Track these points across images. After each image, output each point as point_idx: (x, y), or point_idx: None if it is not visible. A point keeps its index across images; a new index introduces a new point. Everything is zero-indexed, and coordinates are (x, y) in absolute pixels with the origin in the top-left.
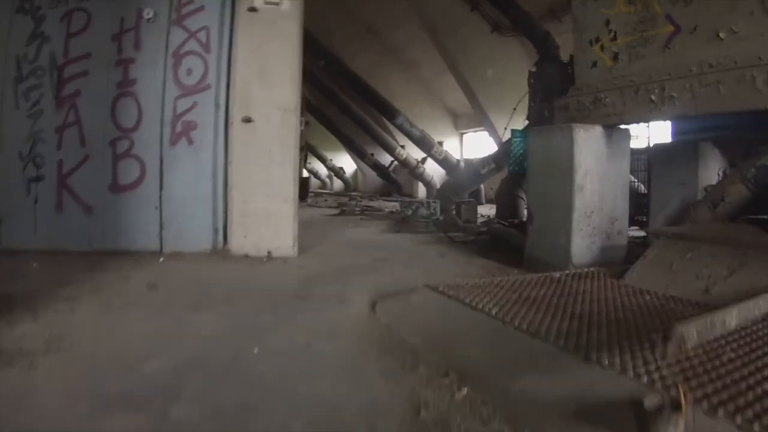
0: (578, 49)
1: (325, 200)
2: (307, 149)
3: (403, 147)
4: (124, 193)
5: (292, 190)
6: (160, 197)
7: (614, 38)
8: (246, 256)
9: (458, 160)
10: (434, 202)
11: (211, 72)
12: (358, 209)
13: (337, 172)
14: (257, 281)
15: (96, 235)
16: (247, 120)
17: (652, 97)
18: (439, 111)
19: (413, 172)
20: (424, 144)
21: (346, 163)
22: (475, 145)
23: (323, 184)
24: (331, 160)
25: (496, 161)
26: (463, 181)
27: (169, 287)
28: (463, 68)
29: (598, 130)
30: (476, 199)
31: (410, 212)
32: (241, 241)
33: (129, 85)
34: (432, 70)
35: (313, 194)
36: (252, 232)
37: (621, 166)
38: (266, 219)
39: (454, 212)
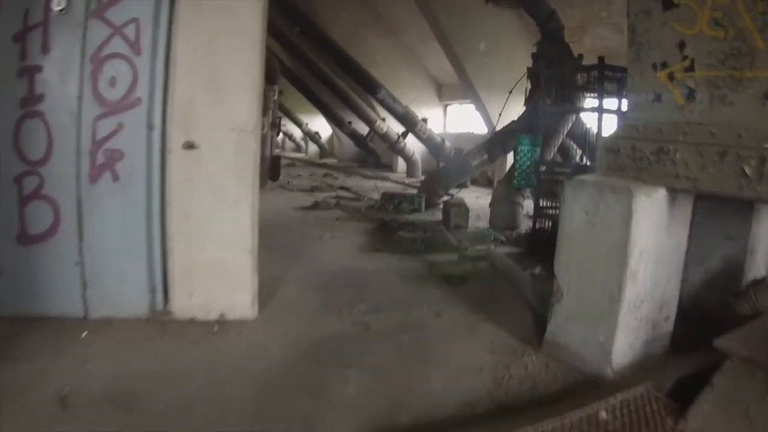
0: (634, 69)
1: (299, 176)
2: (278, 117)
3: (383, 120)
4: (36, 245)
5: (250, 237)
6: (81, 250)
7: (690, 68)
8: (193, 321)
9: (443, 140)
10: (418, 197)
11: (141, 81)
12: (333, 199)
13: (313, 137)
14: (200, 389)
15: (6, 298)
16: (190, 146)
17: (746, 169)
18: (422, 79)
19: (393, 146)
20: (408, 121)
21: (323, 127)
22: (460, 118)
23: (298, 147)
24: (306, 124)
25: (489, 152)
26: (452, 172)
27: (86, 405)
28: (452, 38)
29: (661, 195)
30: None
31: (392, 207)
32: (185, 302)
33: (35, 102)
34: (417, 35)
35: (286, 164)
36: (200, 290)
37: (680, 238)
38: (218, 275)
39: (441, 215)
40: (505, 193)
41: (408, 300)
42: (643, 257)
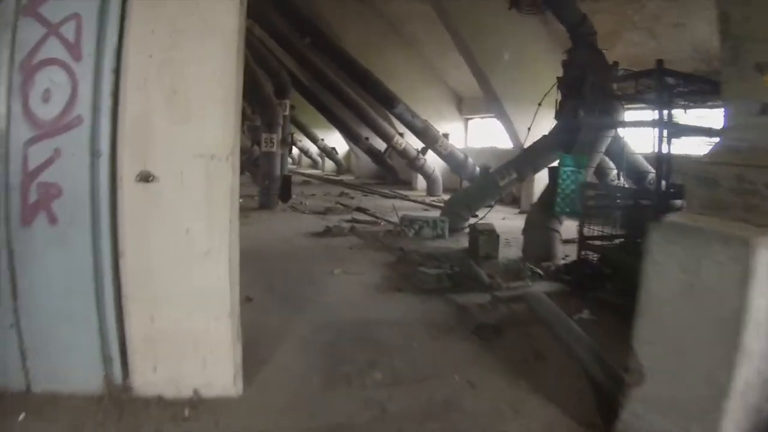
0: (731, 72)
1: (313, 195)
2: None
3: (401, 135)
4: None
5: (228, 296)
6: (16, 311)
7: None
8: (160, 400)
9: (466, 156)
10: (442, 221)
11: (82, 94)
12: (348, 222)
13: (329, 153)
14: None
15: None
16: (147, 177)
17: None
18: (441, 93)
19: (412, 163)
20: (428, 137)
21: (339, 143)
22: (482, 133)
23: (314, 164)
24: (322, 139)
25: (518, 170)
26: (478, 193)
27: None
28: (474, 49)
29: None
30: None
31: (412, 233)
32: (149, 377)
33: None
34: (435, 47)
35: (300, 181)
36: (166, 362)
37: None
38: (187, 344)
39: (467, 242)
40: (540, 219)
41: (434, 363)
42: (760, 332)
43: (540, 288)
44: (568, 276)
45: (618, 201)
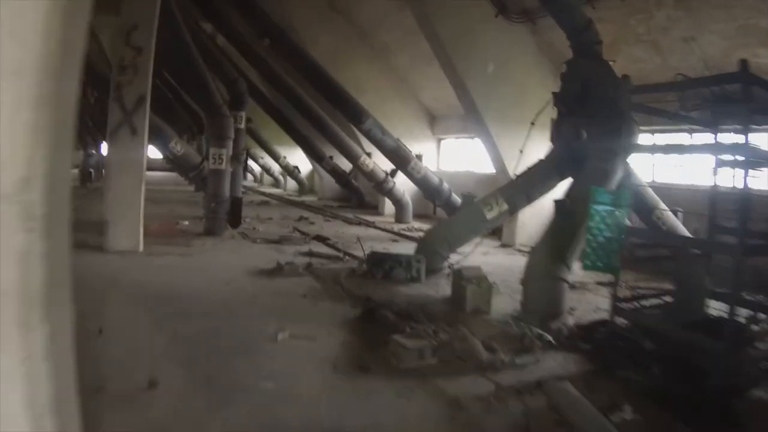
0: None
1: (269, 219)
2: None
3: (369, 155)
4: None
5: None
6: None
7: None
8: None
9: (441, 180)
10: (417, 261)
11: None
12: (304, 255)
13: (291, 172)
14: None
15: None
16: None
17: None
18: (413, 110)
19: (380, 186)
20: (399, 157)
21: (303, 161)
22: (456, 155)
23: (276, 182)
24: (284, 157)
25: (509, 200)
26: (460, 227)
27: None
28: (456, 59)
29: None
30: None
31: (381, 274)
32: None
33: None
34: (408, 59)
35: (258, 202)
36: None
37: None
38: None
39: (450, 289)
40: (545, 266)
41: None
42: None
43: (553, 362)
44: (587, 344)
45: (670, 250)
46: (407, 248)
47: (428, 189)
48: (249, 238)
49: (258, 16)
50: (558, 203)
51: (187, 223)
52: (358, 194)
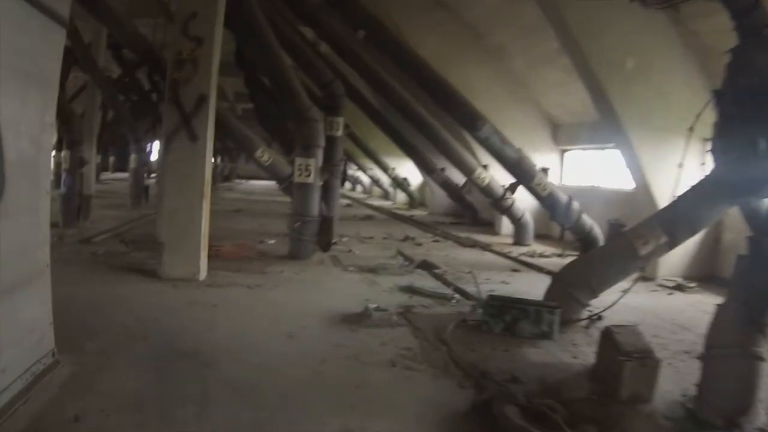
0: None
1: (369, 239)
2: (340, 160)
3: (485, 167)
4: None
5: None
6: None
7: None
8: None
9: (570, 199)
10: (550, 312)
11: None
12: (403, 290)
13: (401, 184)
14: None
15: None
16: None
17: None
18: (533, 117)
19: (498, 204)
20: (521, 171)
21: (413, 172)
22: (581, 168)
23: (386, 194)
24: (393, 168)
25: (668, 230)
26: (604, 265)
27: None
28: (591, 57)
29: None
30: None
31: (501, 326)
32: None
33: None
34: (527, 60)
35: (362, 217)
36: None
37: None
38: None
39: (597, 362)
40: (739, 334)
41: None
42: None
43: None
44: None
45: None
46: (531, 282)
47: (555, 209)
48: (340, 263)
49: (348, 5)
50: (754, 241)
51: (273, 241)
52: (471, 210)
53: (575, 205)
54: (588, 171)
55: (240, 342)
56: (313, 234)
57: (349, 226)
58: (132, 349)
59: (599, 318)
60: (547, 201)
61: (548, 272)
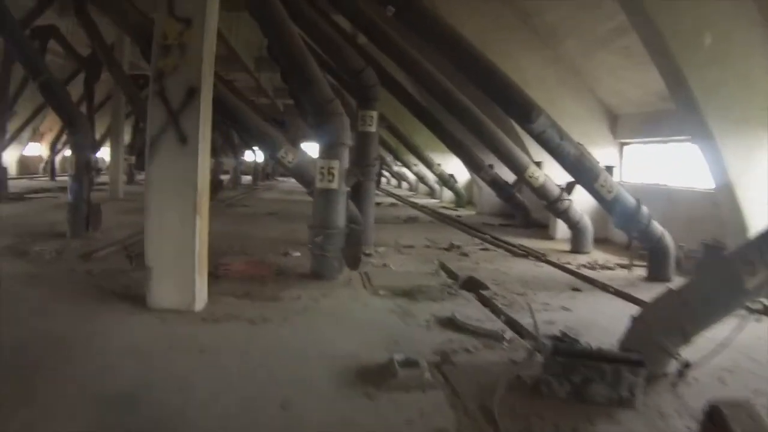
0: None
1: (409, 248)
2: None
3: (538, 165)
4: None
5: None
6: None
7: None
8: None
9: (638, 202)
10: (631, 372)
11: None
12: (443, 324)
13: (447, 181)
14: None
15: None
16: None
17: None
18: (589, 107)
19: (553, 207)
20: (583, 169)
21: (460, 168)
22: (641, 164)
23: (432, 192)
24: (439, 165)
25: None
26: (705, 302)
27: None
28: (668, 36)
29: None
30: None
31: (567, 389)
32: None
33: None
34: (581, 43)
35: (403, 219)
36: None
37: None
38: None
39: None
40: None
41: None
42: None
43: None
44: None
45: None
46: (596, 305)
47: (623, 214)
48: (371, 284)
49: None
50: None
51: (298, 254)
52: (523, 210)
53: (644, 209)
54: (651, 167)
55: (216, 413)
56: (339, 248)
57: (389, 231)
58: (67, 426)
59: (688, 366)
60: (613, 205)
61: (615, 292)
